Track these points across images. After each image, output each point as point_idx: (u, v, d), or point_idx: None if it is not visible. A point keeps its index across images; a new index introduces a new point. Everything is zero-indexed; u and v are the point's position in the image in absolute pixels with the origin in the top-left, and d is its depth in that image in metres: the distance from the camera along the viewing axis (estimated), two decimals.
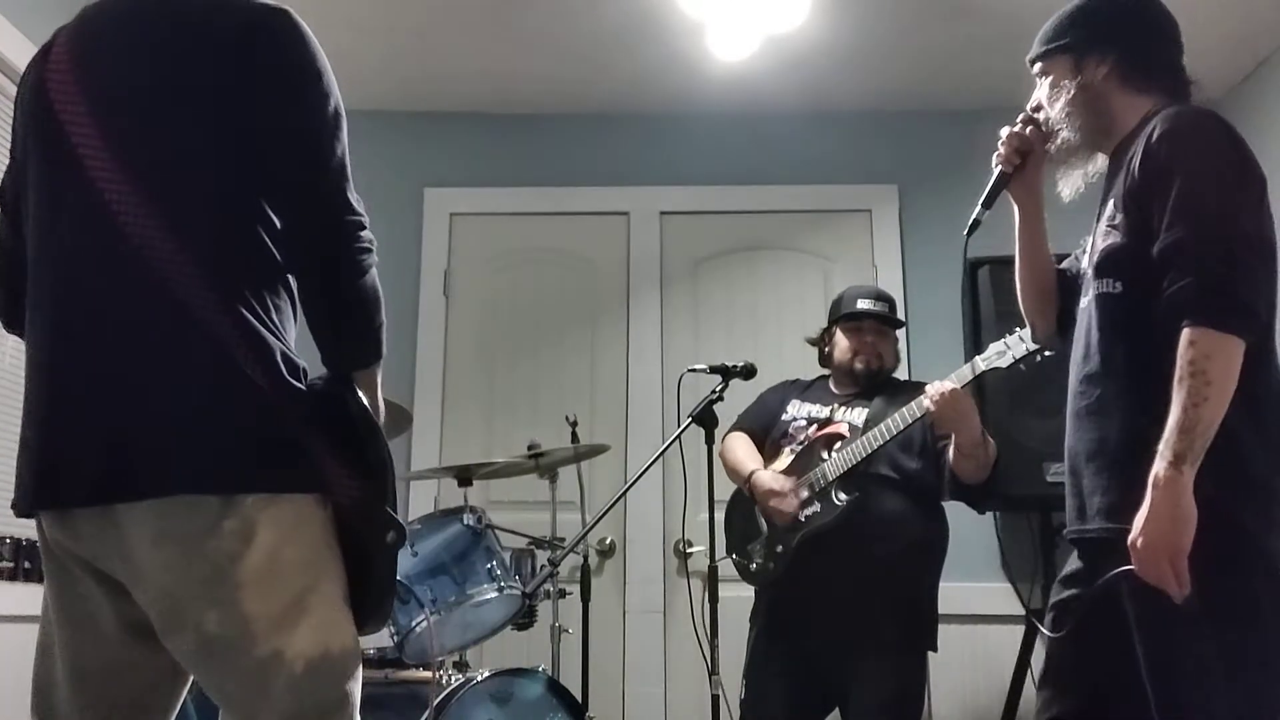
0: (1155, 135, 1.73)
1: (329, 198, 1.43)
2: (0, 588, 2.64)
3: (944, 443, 2.73)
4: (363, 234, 1.45)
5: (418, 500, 3.76)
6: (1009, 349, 2.48)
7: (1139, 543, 1.60)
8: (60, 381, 1.41)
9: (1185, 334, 1.61)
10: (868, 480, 2.72)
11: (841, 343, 2.95)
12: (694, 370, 2.82)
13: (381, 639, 2.44)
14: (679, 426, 2.70)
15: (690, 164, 4.07)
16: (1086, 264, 1.89)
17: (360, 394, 1.46)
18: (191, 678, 1.47)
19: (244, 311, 1.39)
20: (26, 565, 2.69)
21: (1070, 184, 1.95)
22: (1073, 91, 1.89)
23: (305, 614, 1.35)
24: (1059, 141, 1.92)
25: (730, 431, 3.02)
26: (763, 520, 2.86)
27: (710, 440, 2.70)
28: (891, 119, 4.06)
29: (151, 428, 1.34)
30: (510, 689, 2.63)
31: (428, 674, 2.61)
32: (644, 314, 3.99)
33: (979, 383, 2.66)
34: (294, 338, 1.49)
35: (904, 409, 2.65)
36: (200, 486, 1.33)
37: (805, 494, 2.76)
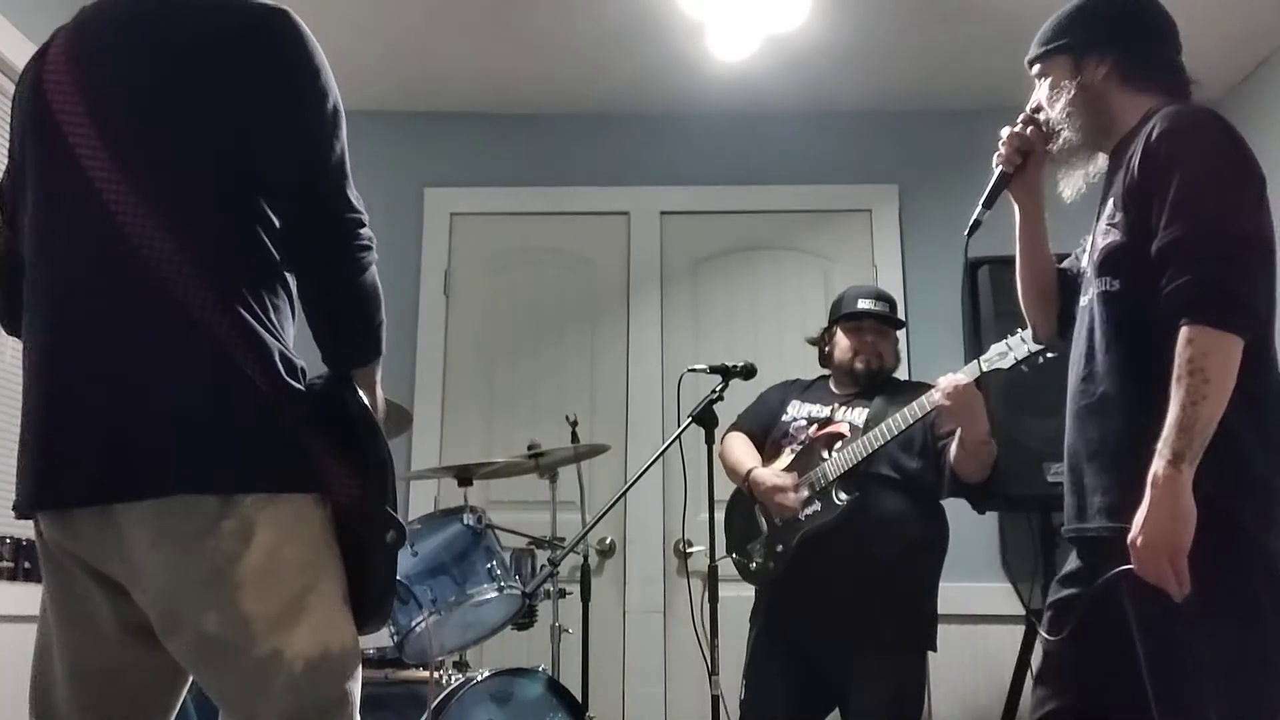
0: (1155, 134, 1.73)
1: (328, 196, 1.43)
2: (0, 588, 2.64)
3: (944, 442, 2.73)
4: (362, 232, 1.45)
5: (418, 500, 3.76)
6: (1010, 350, 2.48)
7: (1138, 541, 1.60)
8: (59, 382, 1.40)
9: (1184, 332, 1.61)
10: (868, 480, 2.72)
11: (842, 342, 2.95)
12: (694, 370, 2.82)
13: (381, 639, 2.44)
14: (679, 426, 2.70)
15: (690, 164, 4.07)
16: (1086, 263, 1.89)
17: (360, 393, 1.46)
18: (191, 677, 1.47)
19: (242, 311, 1.39)
20: (26, 565, 2.69)
21: (1072, 185, 1.95)
22: (1073, 92, 1.89)
23: (304, 614, 1.35)
24: (1060, 142, 1.92)
25: (729, 431, 3.02)
26: (762, 520, 2.86)
27: (710, 440, 2.70)
28: (891, 119, 4.06)
29: (150, 428, 1.34)
30: (510, 689, 2.63)
31: (427, 674, 2.61)
32: (644, 314, 3.99)
33: (979, 383, 2.65)
34: (293, 337, 1.49)
35: (905, 408, 2.65)
36: (199, 486, 1.33)
37: (805, 493, 2.76)
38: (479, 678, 2.60)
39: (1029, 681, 3.12)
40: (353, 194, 1.45)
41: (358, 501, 1.41)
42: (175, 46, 1.43)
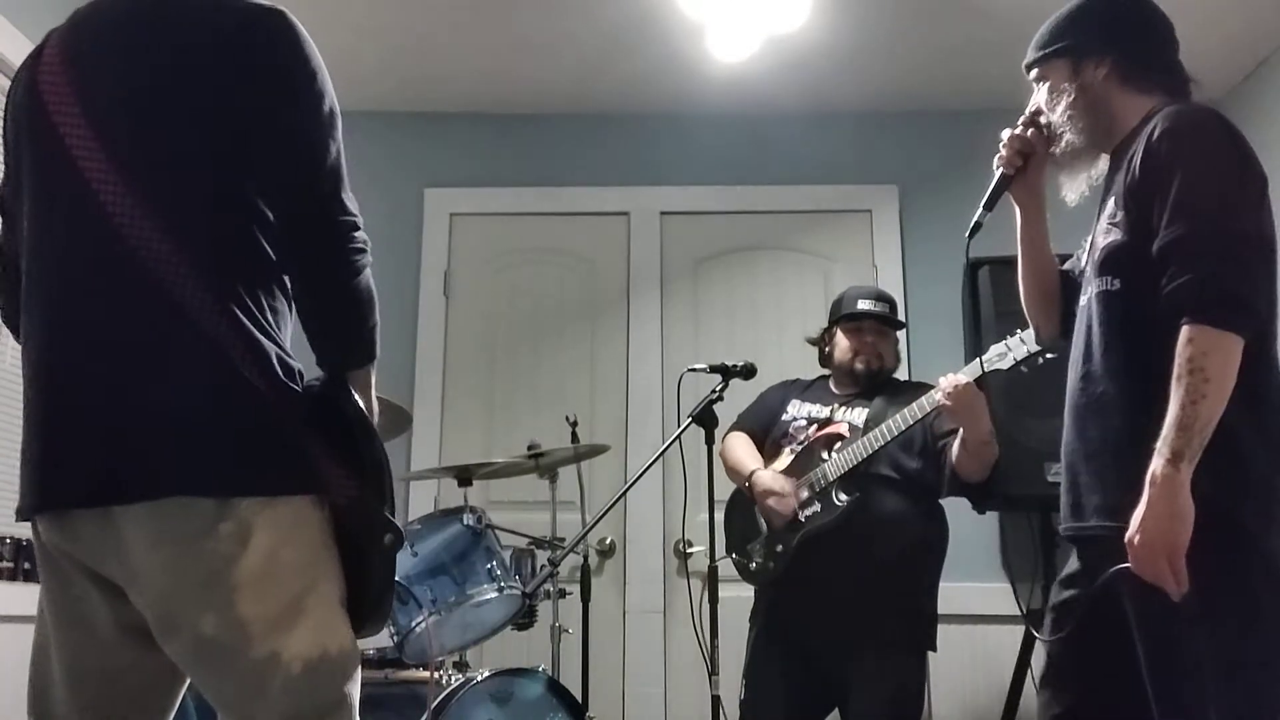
0: (1157, 133, 1.73)
1: (323, 198, 1.43)
2: (0, 588, 2.64)
3: (945, 441, 2.73)
4: (357, 234, 1.44)
5: (418, 500, 3.76)
6: (1010, 351, 2.47)
7: (1136, 540, 1.60)
8: (57, 384, 1.41)
9: (1184, 331, 1.61)
10: (868, 480, 2.72)
11: (842, 343, 2.95)
12: (694, 370, 2.82)
13: (381, 639, 2.43)
14: (679, 426, 2.70)
15: (690, 164, 4.07)
16: (1086, 262, 1.89)
17: (356, 396, 1.46)
18: (189, 678, 1.47)
19: (240, 313, 1.39)
20: (26, 565, 2.69)
21: (1075, 188, 1.94)
22: (1073, 94, 1.89)
23: (302, 616, 1.35)
24: (1063, 144, 1.91)
25: (730, 431, 3.02)
26: (762, 520, 2.86)
27: (710, 440, 2.70)
28: (891, 119, 4.06)
29: (148, 429, 1.34)
30: (510, 689, 2.63)
31: (427, 674, 2.61)
32: (644, 314, 3.99)
33: (980, 384, 2.65)
34: (290, 338, 1.49)
35: (905, 409, 2.65)
36: (196, 489, 1.33)
37: (805, 494, 2.76)
38: (479, 678, 2.60)
39: (1029, 682, 3.13)
40: (348, 196, 1.45)
41: (356, 503, 1.41)
42: (171, 47, 1.43)
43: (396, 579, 2.17)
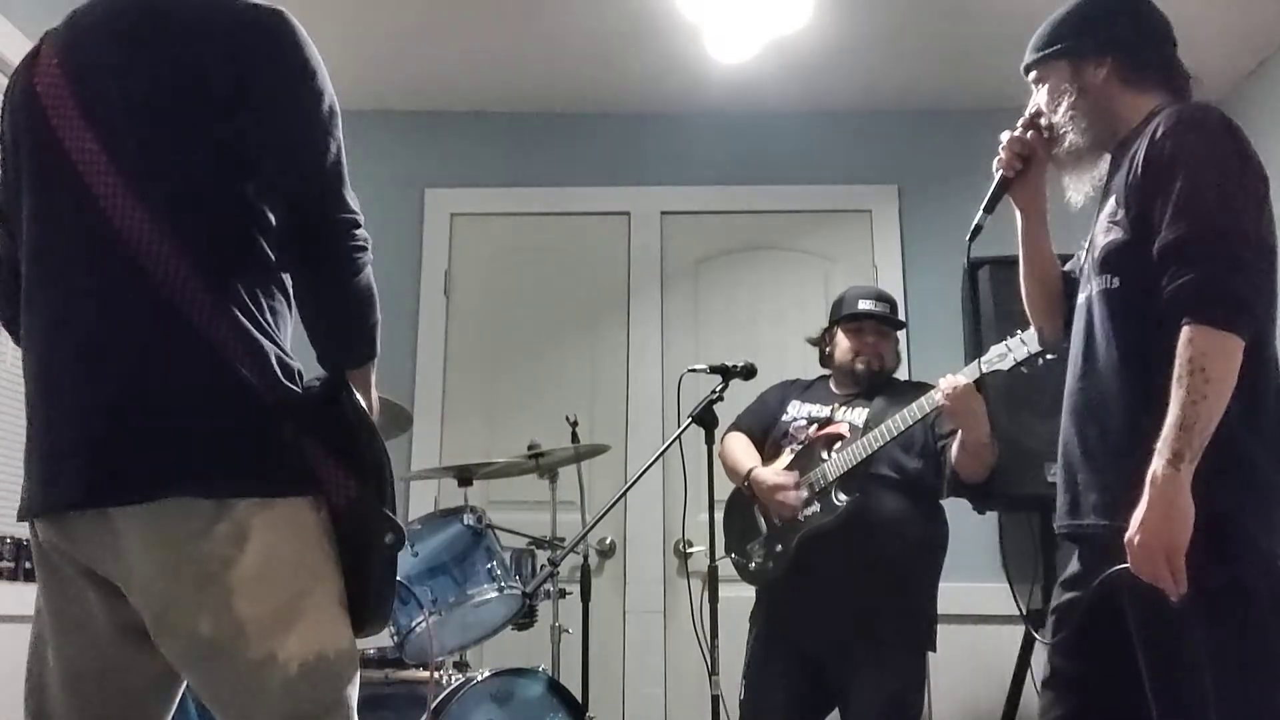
0: (1159, 132, 1.73)
1: (323, 197, 1.43)
2: (0, 588, 2.64)
3: (945, 442, 2.73)
4: (357, 233, 1.44)
5: (418, 500, 3.76)
6: (1010, 351, 2.47)
7: (1136, 541, 1.60)
8: (56, 386, 1.41)
9: (1184, 331, 1.61)
10: (868, 480, 2.72)
11: (842, 343, 2.95)
12: (694, 370, 2.82)
13: (381, 639, 2.43)
14: (679, 426, 2.70)
15: (690, 164, 4.07)
16: (1086, 259, 1.89)
17: (356, 394, 1.45)
18: (186, 680, 1.47)
19: (239, 314, 1.39)
20: (27, 565, 2.69)
21: (1079, 189, 1.94)
22: (1074, 95, 1.89)
23: (300, 617, 1.35)
24: (1066, 145, 1.90)
25: (729, 431, 3.02)
26: (762, 520, 2.86)
27: (710, 440, 2.70)
28: (891, 119, 4.06)
29: (147, 431, 1.34)
30: (510, 689, 2.63)
31: (428, 674, 2.61)
32: (644, 314, 3.99)
33: (980, 384, 2.65)
34: (290, 338, 1.48)
35: (906, 409, 2.65)
36: (194, 490, 1.33)
37: (805, 494, 2.76)
38: (479, 678, 2.60)
39: (1029, 682, 3.12)
40: (348, 195, 1.45)
41: (355, 504, 1.41)
42: (169, 48, 1.42)
43: (397, 579, 2.17)
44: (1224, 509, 1.62)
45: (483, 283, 4.03)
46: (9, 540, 2.67)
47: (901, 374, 3.08)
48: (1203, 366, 1.58)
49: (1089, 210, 1.92)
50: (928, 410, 2.61)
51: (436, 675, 2.60)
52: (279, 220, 1.44)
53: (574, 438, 3.05)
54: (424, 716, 2.45)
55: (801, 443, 2.87)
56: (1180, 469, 1.57)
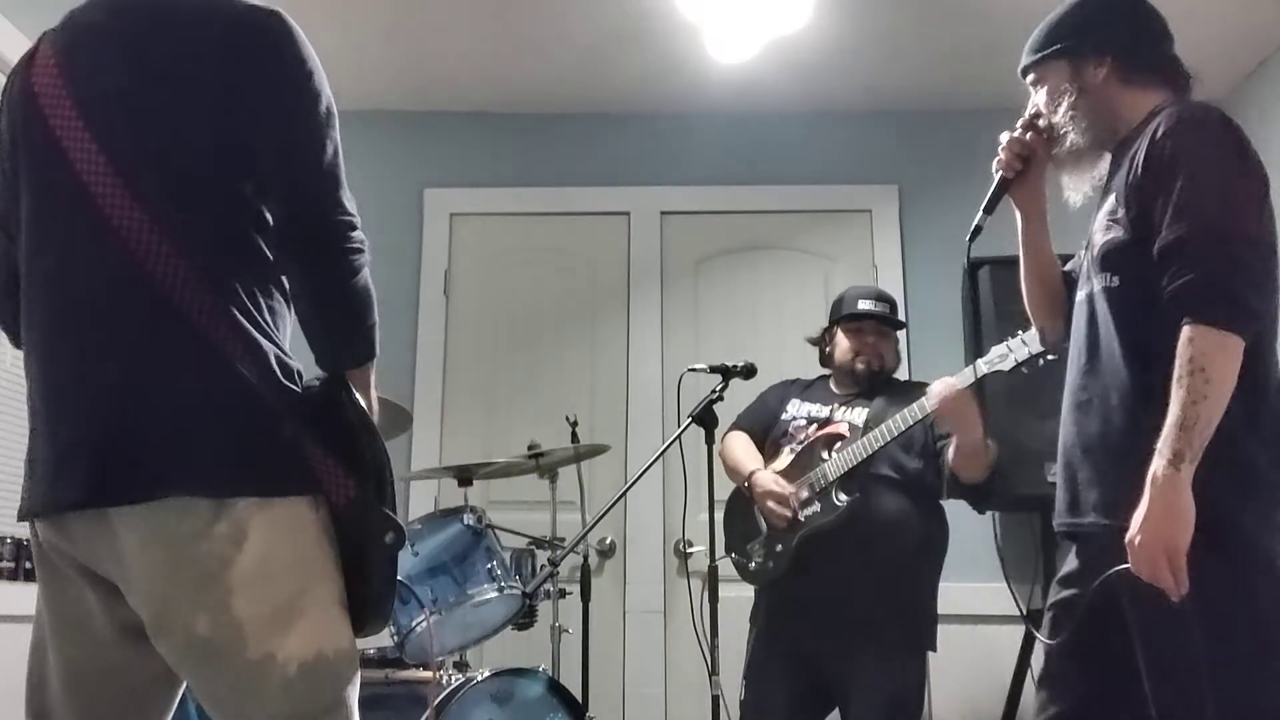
0: (1160, 131, 1.73)
1: (320, 198, 1.43)
2: (0, 588, 2.64)
3: (944, 442, 2.73)
4: (354, 234, 1.44)
5: (418, 500, 3.76)
6: (1011, 352, 2.47)
7: (1137, 542, 1.60)
8: (56, 386, 1.41)
9: (1185, 332, 1.61)
10: (868, 480, 2.72)
11: (842, 343, 2.95)
12: (694, 370, 2.82)
13: (382, 639, 2.43)
14: (679, 426, 2.70)
15: (690, 164, 4.07)
16: (1085, 257, 1.89)
17: (356, 394, 1.45)
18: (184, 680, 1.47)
19: (238, 314, 1.39)
20: (27, 565, 2.69)
21: (1078, 188, 1.94)
22: (1074, 96, 1.89)
23: (298, 617, 1.35)
24: (1066, 145, 1.90)
25: (730, 431, 3.02)
26: (762, 520, 2.86)
27: (710, 440, 2.70)
28: (891, 119, 4.06)
29: (145, 431, 1.34)
30: (510, 689, 2.63)
31: (428, 674, 2.61)
32: (644, 314, 3.99)
33: (980, 384, 2.65)
34: (289, 338, 1.48)
35: (906, 409, 2.64)
36: (192, 489, 1.32)
37: (805, 494, 2.76)
38: (479, 678, 2.60)
39: (1029, 682, 3.13)
40: (345, 196, 1.45)
41: (354, 503, 1.40)
42: (167, 49, 1.42)
43: (397, 578, 2.17)
44: (1224, 509, 1.62)
45: (483, 283, 4.03)
46: (9, 540, 2.67)
47: (901, 374, 3.07)
48: (1203, 367, 1.58)
49: (1089, 210, 1.92)
50: (928, 410, 2.61)
51: (436, 675, 2.60)
52: (276, 221, 1.44)
53: (574, 438, 3.05)
54: (424, 716, 2.45)
55: (801, 442, 2.87)
56: (1180, 469, 1.57)
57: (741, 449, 2.96)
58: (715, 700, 2.49)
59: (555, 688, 2.69)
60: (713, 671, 2.48)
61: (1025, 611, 2.85)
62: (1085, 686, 1.80)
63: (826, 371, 3.04)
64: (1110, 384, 1.76)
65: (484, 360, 3.96)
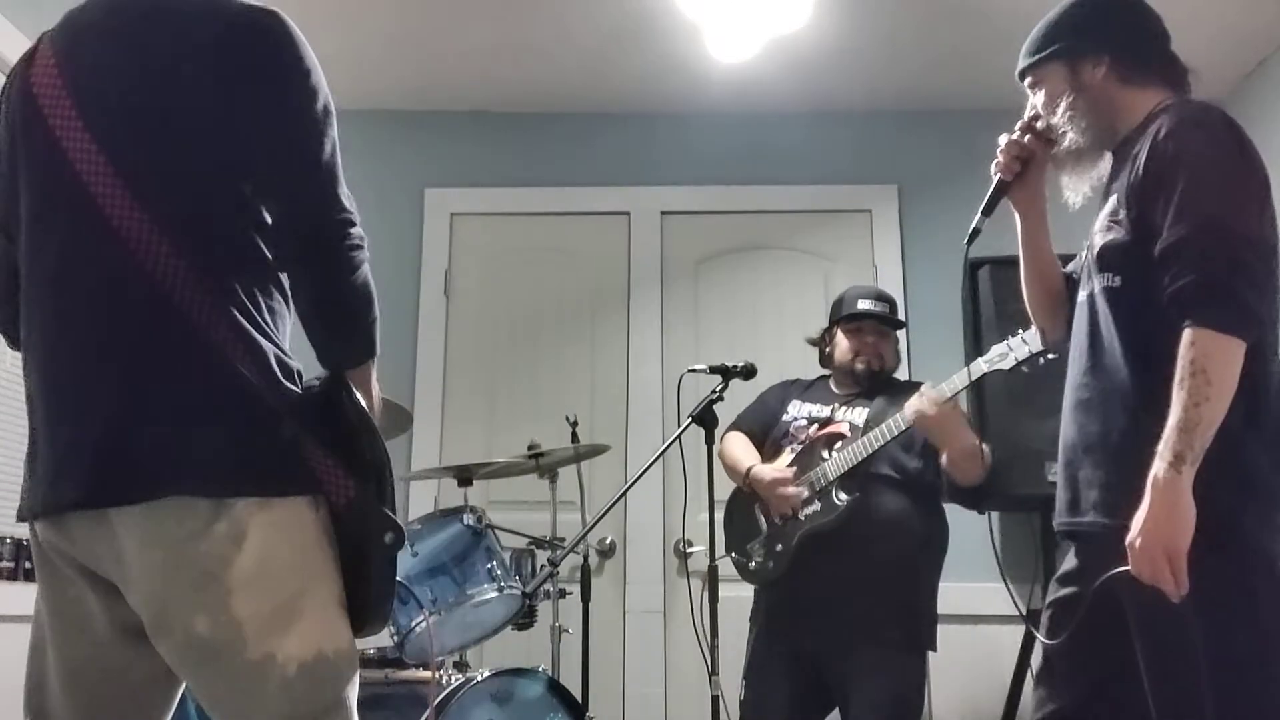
0: (1163, 133, 1.73)
1: (318, 195, 1.43)
2: (0, 588, 2.64)
3: None
4: (353, 231, 1.44)
5: (418, 500, 3.76)
6: (1011, 351, 2.47)
7: (1138, 544, 1.60)
8: (56, 387, 1.41)
9: (1186, 334, 1.61)
10: (868, 480, 2.72)
11: (842, 343, 2.95)
12: (694, 370, 2.82)
13: (381, 639, 2.43)
14: (679, 426, 2.70)
15: (690, 164, 4.07)
16: (1086, 257, 1.89)
17: (356, 394, 1.45)
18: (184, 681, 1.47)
19: (238, 314, 1.39)
20: (27, 565, 2.69)
21: (1078, 189, 1.93)
22: (1074, 96, 1.89)
23: (297, 617, 1.35)
24: (1066, 144, 1.90)
25: (729, 431, 3.02)
26: (762, 519, 2.86)
27: (710, 440, 2.70)
28: (891, 119, 4.06)
29: (144, 431, 1.34)
30: (510, 689, 2.63)
31: (428, 674, 2.61)
32: (644, 314, 3.99)
33: (979, 384, 2.65)
34: (288, 337, 1.48)
35: (905, 409, 2.65)
36: (192, 489, 1.32)
37: (805, 493, 2.76)
38: (479, 678, 2.60)
39: (1029, 682, 3.12)
40: (343, 193, 1.45)
41: (354, 503, 1.40)
42: (165, 48, 1.42)
43: (397, 579, 2.17)
44: (1224, 509, 1.62)
45: (483, 283, 4.03)
46: (9, 540, 2.67)
47: (901, 374, 3.07)
48: (1204, 369, 1.58)
49: (1090, 210, 1.92)
50: (904, 426, 2.62)
51: (436, 675, 2.60)
52: (275, 219, 1.44)
53: (574, 438, 3.05)
54: (424, 716, 2.45)
55: (802, 442, 2.87)
56: (1182, 471, 1.57)
57: (740, 448, 2.96)
58: (715, 700, 2.49)
59: (555, 688, 2.68)
60: (713, 671, 2.48)
61: (1025, 611, 2.85)
62: (1084, 685, 1.80)
63: (826, 372, 3.04)
64: (1111, 383, 1.76)
65: (484, 360, 3.96)
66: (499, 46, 3.67)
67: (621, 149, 4.09)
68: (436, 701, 2.49)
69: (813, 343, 3.08)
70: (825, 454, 2.78)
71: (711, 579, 2.55)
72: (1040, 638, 1.85)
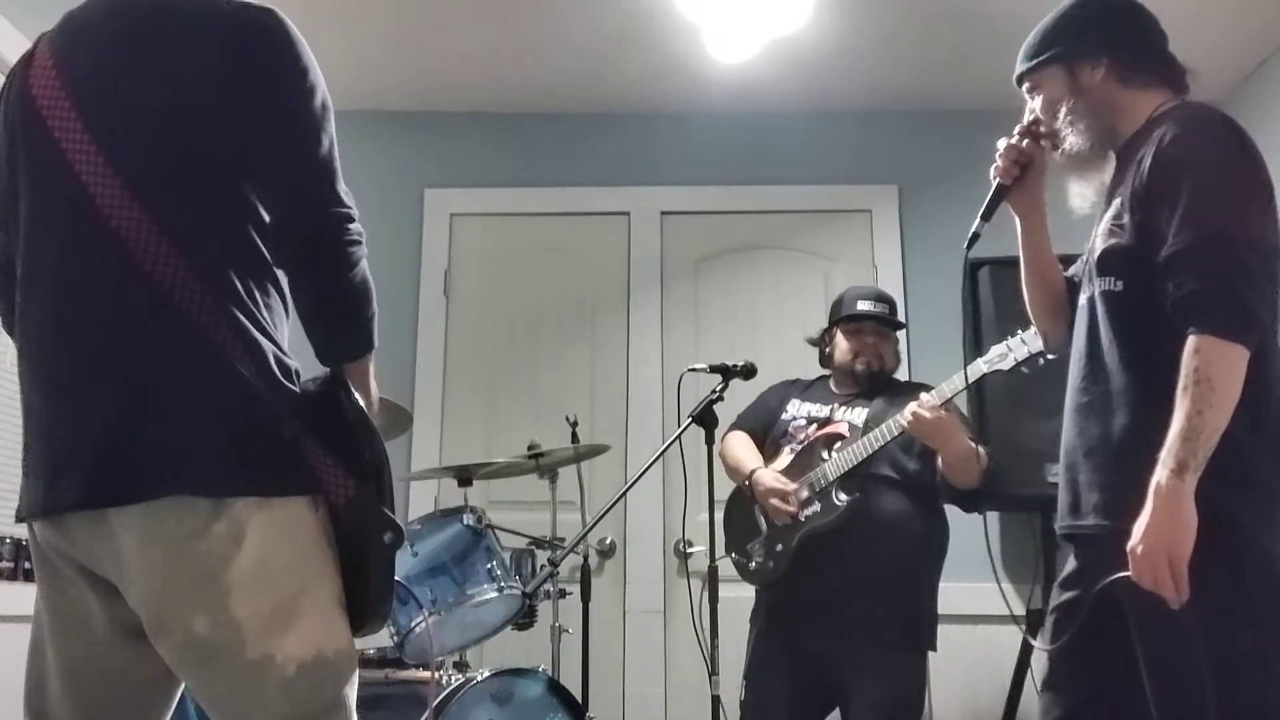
0: (1167, 139, 1.72)
1: (316, 191, 1.43)
2: (0, 588, 2.64)
3: None
4: (351, 226, 1.44)
5: (418, 500, 3.76)
6: (1010, 351, 2.47)
7: (1139, 550, 1.60)
8: (55, 387, 1.41)
9: (1190, 341, 1.61)
10: (868, 480, 2.72)
11: (842, 344, 2.95)
12: (694, 370, 2.82)
13: (381, 639, 2.44)
14: (679, 426, 2.70)
15: (690, 164, 4.07)
16: (1087, 260, 1.89)
17: (355, 393, 1.45)
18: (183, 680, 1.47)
19: (237, 313, 1.39)
20: (27, 565, 2.69)
21: (1084, 194, 1.92)
22: (1073, 99, 1.88)
23: (297, 617, 1.35)
24: (1067, 147, 1.90)
25: (730, 430, 3.02)
26: (762, 519, 2.86)
27: (710, 440, 2.70)
28: (891, 119, 4.06)
29: (144, 431, 1.34)
30: (510, 689, 2.63)
31: (428, 674, 2.61)
32: (644, 314, 3.99)
33: (979, 384, 2.65)
34: (287, 336, 1.48)
35: (906, 409, 2.65)
36: (191, 489, 1.32)
37: (805, 494, 2.76)
38: (479, 678, 2.60)
39: (1029, 682, 3.12)
40: (341, 189, 1.45)
41: (354, 503, 1.40)
42: (164, 48, 1.42)
43: (397, 579, 2.17)
44: (1225, 511, 1.61)
45: (483, 283, 4.03)
46: (9, 540, 2.67)
47: (901, 374, 3.08)
48: (1208, 376, 1.58)
49: (1091, 212, 1.91)
50: (900, 429, 2.62)
51: (436, 675, 2.60)
52: (273, 215, 1.45)
53: (574, 438, 3.05)
54: (424, 716, 2.45)
55: (801, 442, 2.87)
56: (1184, 479, 1.57)
57: (742, 448, 2.96)
58: (715, 700, 2.49)
59: (555, 688, 2.69)
60: (713, 671, 2.48)
61: (1021, 614, 2.85)
62: (1086, 689, 1.80)
63: (826, 372, 3.04)
64: (1113, 386, 1.75)
65: (484, 360, 3.96)
66: (499, 47, 3.67)
67: (621, 149, 4.09)
68: (436, 701, 2.49)
69: (812, 343, 3.08)
70: (825, 454, 2.78)
71: (711, 579, 2.55)
72: (1035, 644, 1.85)
